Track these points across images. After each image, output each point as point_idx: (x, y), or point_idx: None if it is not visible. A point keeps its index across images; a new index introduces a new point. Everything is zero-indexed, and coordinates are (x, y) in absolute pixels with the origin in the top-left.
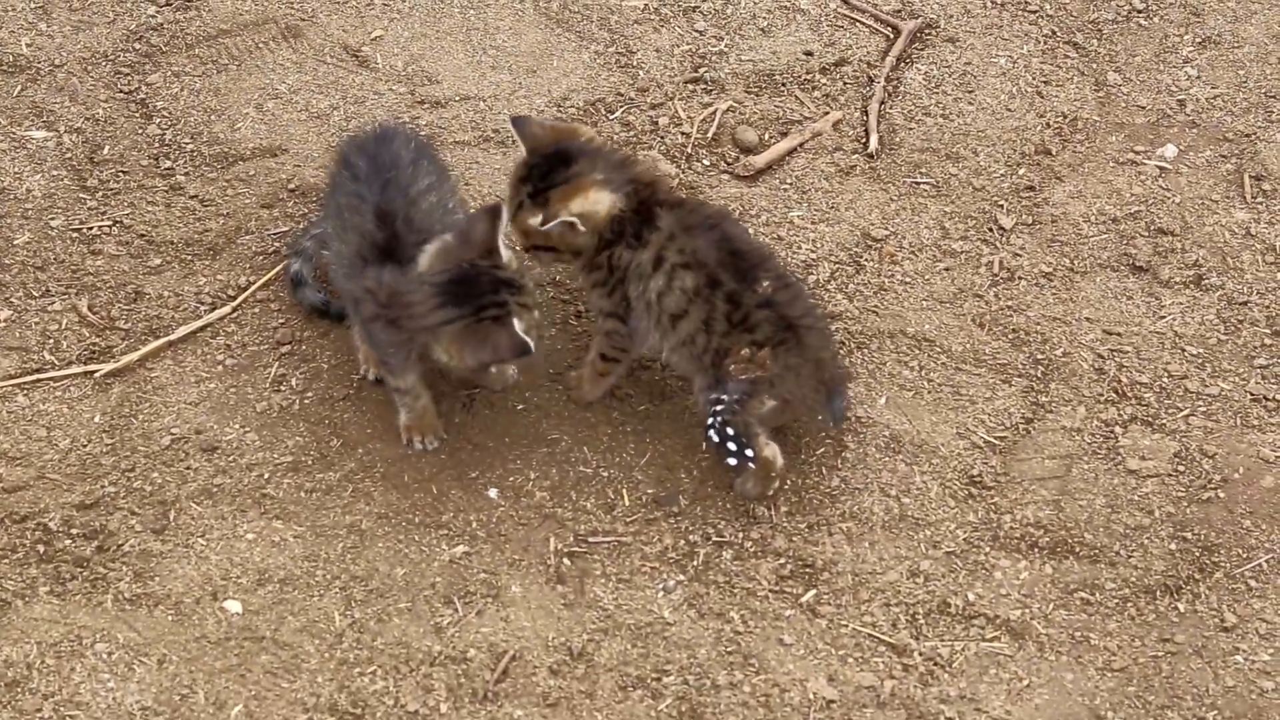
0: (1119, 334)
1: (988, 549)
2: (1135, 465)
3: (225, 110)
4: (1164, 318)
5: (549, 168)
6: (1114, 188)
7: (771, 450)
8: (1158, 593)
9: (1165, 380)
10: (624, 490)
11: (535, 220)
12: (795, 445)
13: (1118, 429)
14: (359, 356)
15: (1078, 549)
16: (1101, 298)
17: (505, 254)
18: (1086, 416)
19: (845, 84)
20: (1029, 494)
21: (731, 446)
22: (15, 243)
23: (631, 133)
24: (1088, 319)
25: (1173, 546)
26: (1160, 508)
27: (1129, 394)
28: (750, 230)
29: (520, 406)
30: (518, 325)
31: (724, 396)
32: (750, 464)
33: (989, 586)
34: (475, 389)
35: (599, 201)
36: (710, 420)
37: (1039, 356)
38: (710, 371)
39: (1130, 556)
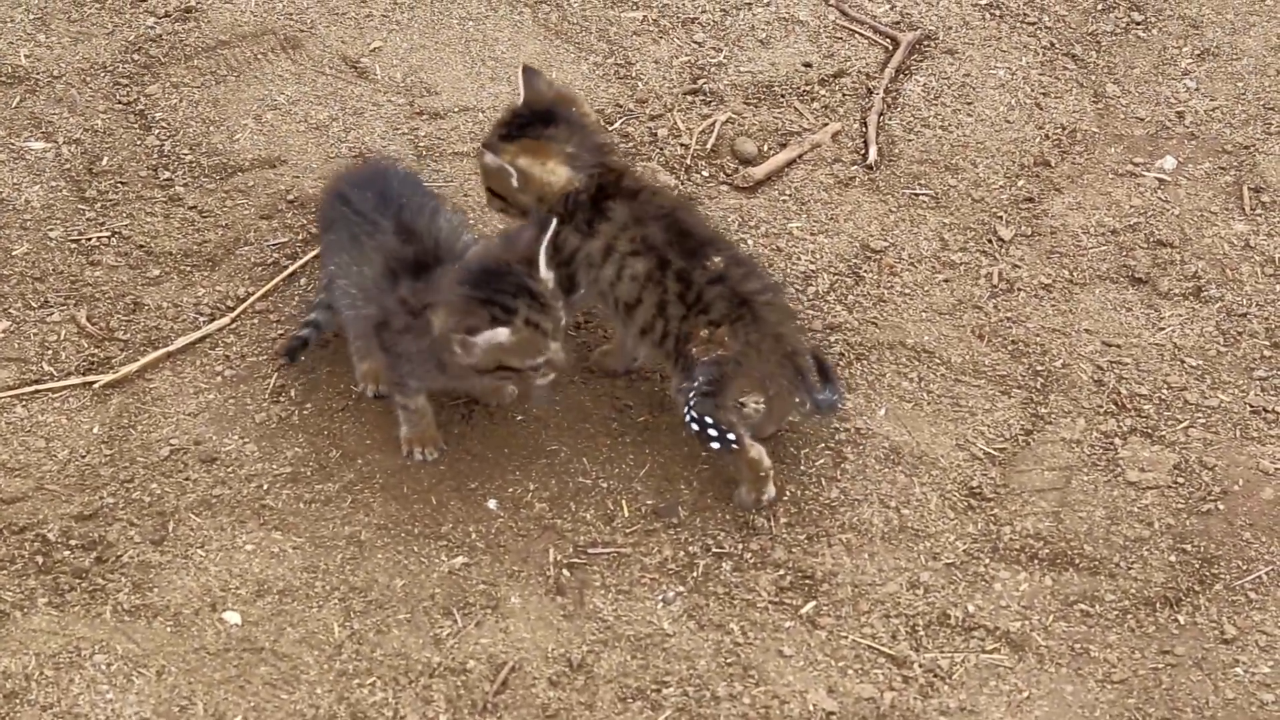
0: (1118, 346)
1: (987, 560)
2: (1135, 477)
3: (224, 121)
4: (1163, 329)
5: (530, 120)
6: (1113, 199)
7: (757, 451)
8: (1157, 605)
9: (1164, 392)
10: (623, 501)
11: (487, 158)
12: (794, 457)
13: (1117, 441)
14: (356, 375)
15: (1077, 561)
16: (1101, 309)
17: (545, 271)
18: (1086, 428)
19: (844, 96)
20: (1029, 506)
21: (711, 432)
22: (14, 254)
23: (630, 144)
24: (1087, 331)
25: (1172, 558)
26: (1160, 519)
27: (1128, 406)
28: (749, 241)
29: (519, 418)
30: (503, 333)
31: (694, 384)
32: (733, 446)
33: (989, 598)
34: (473, 401)
35: (554, 171)
36: (685, 411)
37: (1038, 368)
38: (678, 362)
39: (1130, 568)
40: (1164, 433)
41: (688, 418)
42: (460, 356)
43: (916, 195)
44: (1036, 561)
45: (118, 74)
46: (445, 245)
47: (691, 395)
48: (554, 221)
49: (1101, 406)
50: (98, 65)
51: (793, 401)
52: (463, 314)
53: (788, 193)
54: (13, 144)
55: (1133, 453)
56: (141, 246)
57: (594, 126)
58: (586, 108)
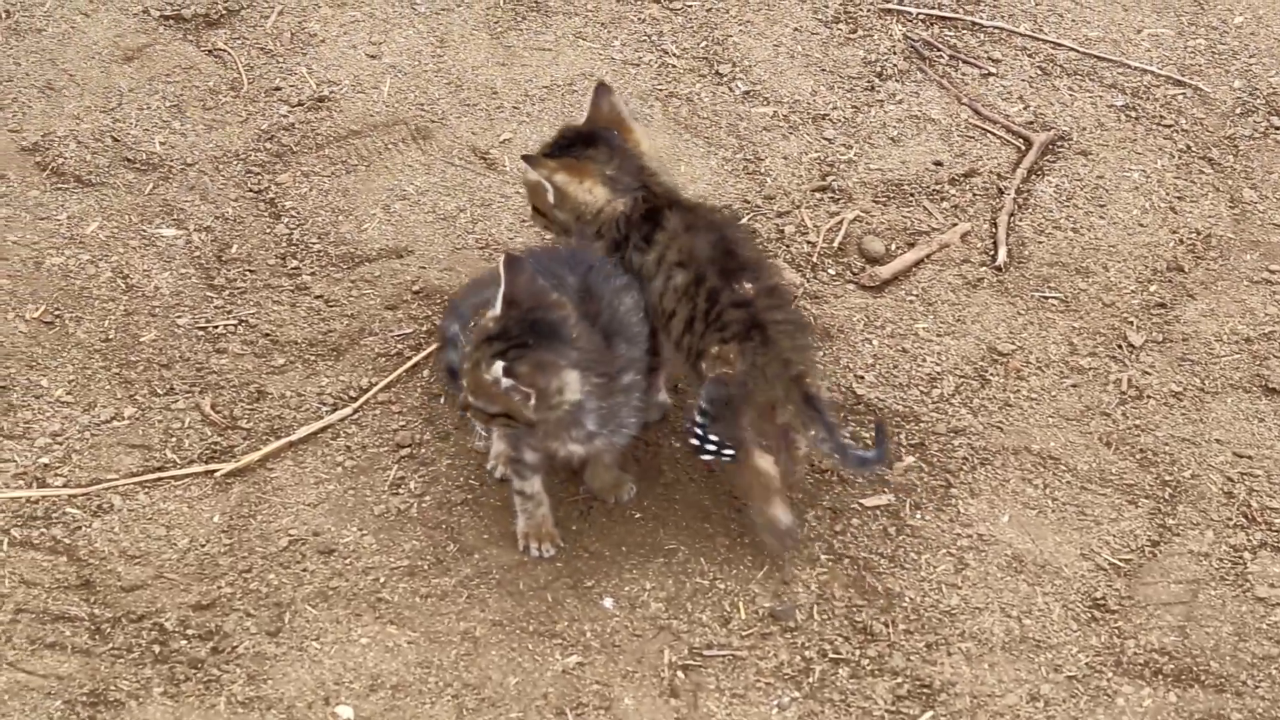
0: (1250, 457)
1: (1110, 674)
2: (1264, 592)
3: (353, 210)
4: None
5: (578, 141)
6: (1247, 307)
7: (766, 461)
8: None
9: None
10: (740, 603)
11: (526, 171)
12: (915, 562)
13: (1246, 555)
14: (491, 453)
15: (1203, 677)
16: (1232, 419)
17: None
18: (1215, 541)
19: (975, 195)
20: (1154, 619)
21: (710, 446)
22: (142, 340)
23: (757, 240)
24: (1218, 441)
25: None
26: None
27: (1259, 519)
28: (874, 341)
29: (638, 515)
30: (496, 367)
31: (702, 403)
32: (729, 458)
33: (1111, 713)
34: (591, 498)
35: (591, 191)
36: (689, 426)
37: (1167, 478)
38: (696, 379)
39: (1258, 686)
40: None
41: (692, 437)
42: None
43: (1046, 298)
44: (1161, 677)
45: (250, 162)
46: (619, 320)
47: (696, 413)
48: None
49: (1231, 519)
50: (230, 153)
51: (807, 435)
52: (532, 285)
53: (915, 293)
54: (145, 230)
55: (1262, 567)
56: (267, 335)
57: (637, 152)
58: (638, 135)
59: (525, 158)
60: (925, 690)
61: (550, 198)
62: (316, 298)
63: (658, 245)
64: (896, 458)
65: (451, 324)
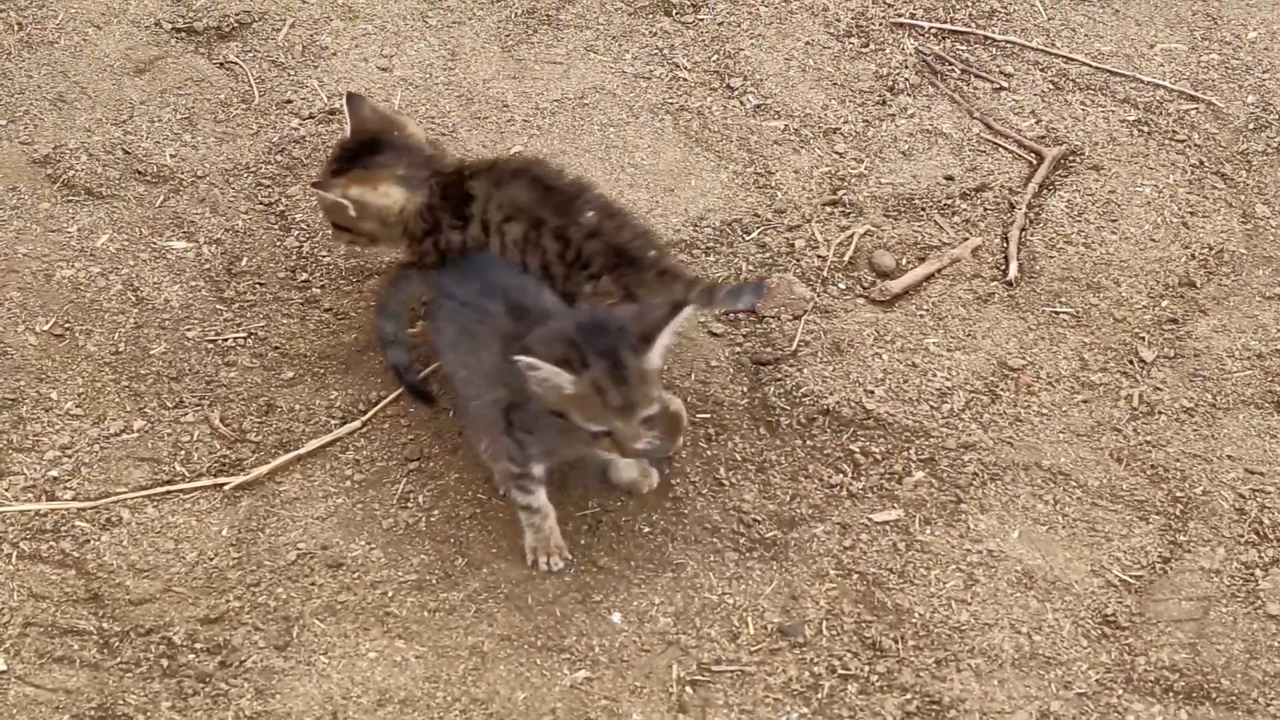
0: (1261, 473)
1: (1121, 691)
2: (1276, 610)
3: None
4: None
5: (360, 151)
6: (1260, 323)
7: (676, 405)
8: None
9: None
10: (749, 618)
11: (321, 195)
12: (924, 578)
13: (1258, 571)
14: (495, 479)
15: (1214, 695)
16: (1244, 435)
17: (655, 355)
18: (1226, 558)
19: (986, 210)
20: (1165, 636)
21: None
22: (151, 353)
23: (767, 254)
24: (1229, 457)
25: None
26: None
27: (1270, 536)
28: (884, 356)
29: (646, 530)
30: (565, 378)
31: None
32: None
33: None
34: (601, 512)
35: (388, 194)
36: None
37: (1178, 494)
38: None
39: (1269, 705)
40: None
41: None
42: (529, 381)
43: (1057, 313)
44: (1171, 694)
45: (260, 175)
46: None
47: None
48: (686, 308)
49: (1242, 536)
50: (241, 166)
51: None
52: (546, 341)
53: (925, 307)
54: (155, 243)
55: (1274, 584)
56: (277, 348)
57: (418, 144)
58: (414, 128)
59: (314, 184)
60: (934, 707)
61: (351, 213)
62: (326, 310)
63: (475, 216)
64: (906, 472)
65: (386, 323)
